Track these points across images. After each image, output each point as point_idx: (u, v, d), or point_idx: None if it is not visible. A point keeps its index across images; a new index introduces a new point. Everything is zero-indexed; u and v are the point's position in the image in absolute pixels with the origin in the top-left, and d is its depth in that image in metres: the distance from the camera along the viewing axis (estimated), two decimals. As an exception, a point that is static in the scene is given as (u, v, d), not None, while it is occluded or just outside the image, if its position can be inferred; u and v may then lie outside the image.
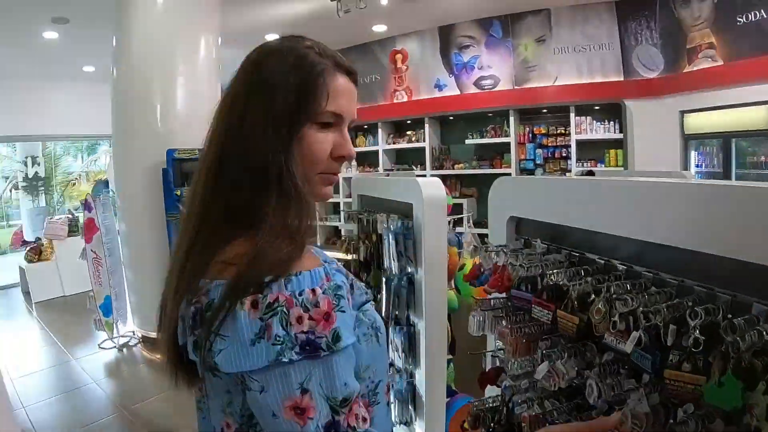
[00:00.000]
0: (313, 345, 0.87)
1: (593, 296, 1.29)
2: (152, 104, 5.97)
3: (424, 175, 8.57)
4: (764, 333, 0.94)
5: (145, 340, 6.33)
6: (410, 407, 3.31)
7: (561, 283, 1.44)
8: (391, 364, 3.29)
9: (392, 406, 3.11)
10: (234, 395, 0.95)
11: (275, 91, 0.99)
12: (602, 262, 1.48)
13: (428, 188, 2.79)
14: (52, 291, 8.93)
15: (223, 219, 0.98)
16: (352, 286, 1.03)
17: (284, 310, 0.86)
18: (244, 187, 0.98)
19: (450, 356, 3.46)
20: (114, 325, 6.32)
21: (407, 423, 3.51)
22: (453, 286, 3.72)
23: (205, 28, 6.29)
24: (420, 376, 2.99)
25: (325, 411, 0.87)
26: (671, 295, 1.21)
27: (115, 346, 6.26)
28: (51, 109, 10.78)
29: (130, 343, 6.37)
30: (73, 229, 9.36)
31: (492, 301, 1.80)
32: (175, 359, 1.05)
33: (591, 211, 1.52)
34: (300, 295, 0.88)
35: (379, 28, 9.37)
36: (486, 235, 2.82)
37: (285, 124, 0.99)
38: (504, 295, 1.76)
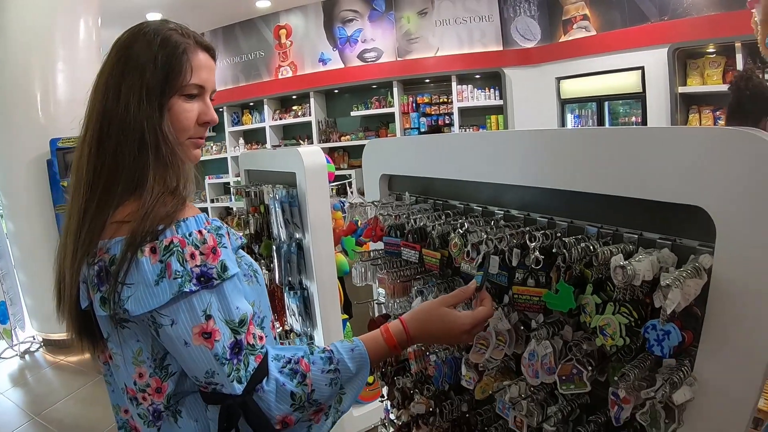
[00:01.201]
0: (207, 275, 1.02)
1: (452, 234, 1.46)
2: (32, 92, 5.65)
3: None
4: (591, 247, 1.13)
5: (47, 344, 6.06)
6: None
7: (423, 225, 1.60)
8: (291, 330, 3.41)
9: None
10: (144, 343, 1.07)
11: (146, 69, 1.11)
12: (462, 206, 1.66)
13: (309, 156, 2.92)
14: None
15: (110, 185, 1.08)
16: (228, 232, 1.17)
17: (179, 249, 1.01)
18: (126, 155, 1.08)
19: (346, 316, 3.61)
20: (12, 332, 5.92)
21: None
22: (342, 249, 3.87)
23: (85, 9, 5.95)
24: (318, 337, 3.12)
25: (228, 333, 1.03)
26: (518, 227, 1.39)
27: (16, 354, 5.88)
28: None
29: (31, 349, 6.01)
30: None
31: (371, 253, 1.95)
32: (80, 326, 1.16)
33: (451, 163, 1.69)
34: (189, 236, 1.03)
35: (263, 4, 9.33)
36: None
37: (156, 97, 1.11)
38: (382, 247, 1.91)
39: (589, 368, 1.15)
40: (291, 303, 3.27)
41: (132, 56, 1.12)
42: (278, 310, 3.53)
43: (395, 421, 2.01)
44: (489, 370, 1.48)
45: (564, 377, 1.18)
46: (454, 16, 8.33)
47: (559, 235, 1.19)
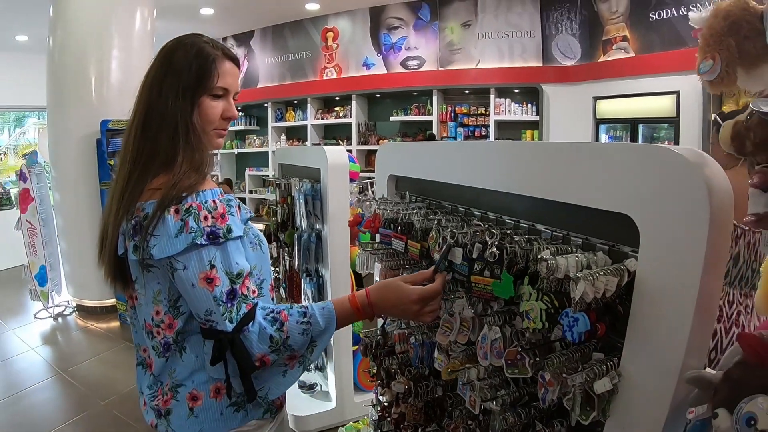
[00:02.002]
0: (215, 234, 1.29)
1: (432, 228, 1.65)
2: (87, 75, 6.04)
3: (350, 150, 8.91)
4: (540, 247, 1.31)
5: (80, 309, 6.47)
6: (322, 352, 3.67)
7: (410, 220, 1.81)
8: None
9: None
10: (162, 285, 1.36)
11: (182, 73, 1.40)
12: (450, 206, 1.85)
13: (333, 155, 3.16)
14: (-17, 266, 8.76)
15: (149, 161, 1.38)
16: (239, 206, 1.45)
17: (196, 212, 1.29)
18: (163, 139, 1.38)
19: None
20: (49, 295, 6.37)
21: (320, 368, 3.86)
22: (359, 243, 4.07)
23: (141, 1, 6.35)
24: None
25: (226, 281, 1.30)
26: (492, 227, 1.56)
27: (50, 316, 6.33)
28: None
29: (65, 313, 6.44)
30: (4, 202, 9.26)
31: (374, 244, 2.14)
32: (115, 270, 1.45)
33: (442, 168, 1.90)
34: (205, 203, 1.31)
35: (312, 6, 9.59)
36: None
37: (189, 95, 1.41)
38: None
39: (531, 355, 1.31)
40: (307, 289, 3.49)
41: (173, 62, 1.42)
42: (295, 295, 3.76)
43: (382, 401, 2.20)
44: (456, 354, 1.66)
45: (510, 362, 1.35)
46: (496, 29, 8.48)
47: (509, 233, 1.38)
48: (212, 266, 1.29)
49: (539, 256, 1.17)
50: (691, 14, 1.77)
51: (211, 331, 1.31)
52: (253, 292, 1.36)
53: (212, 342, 1.32)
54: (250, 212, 1.53)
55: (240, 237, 1.37)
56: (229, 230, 1.32)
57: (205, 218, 1.29)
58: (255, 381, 1.37)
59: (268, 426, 1.51)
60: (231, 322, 1.28)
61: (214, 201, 1.33)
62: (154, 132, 1.39)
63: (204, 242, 1.27)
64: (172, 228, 1.27)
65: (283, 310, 1.36)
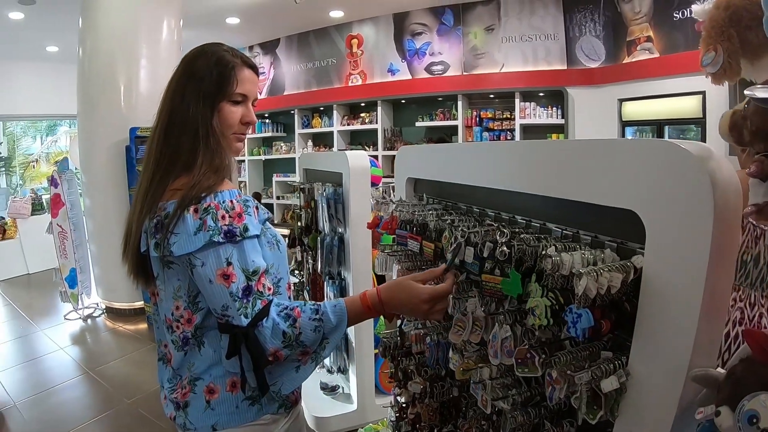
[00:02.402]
0: (232, 232, 1.35)
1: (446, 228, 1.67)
2: (116, 84, 6.23)
3: (377, 156, 8.95)
4: (546, 244, 1.32)
5: (109, 311, 6.65)
6: (344, 355, 3.71)
7: (424, 221, 1.85)
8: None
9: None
10: (182, 282, 1.43)
11: (203, 80, 1.47)
12: (465, 207, 1.87)
13: (354, 159, 3.21)
14: (16, 269, 9.09)
15: (171, 164, 1.45)
16: (257, 207, 1.50)
17: (214, 211, 1.35)
18: (184, 142, 1.46)
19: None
20: (79, 297, 6.58)
21: (342, 370, 3.90)
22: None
23: (168, 11, 6.53)
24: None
25: (242, 278, 1.36)
26: (503, 226, 1.58)
27: (79, 317, 6.53)
28: (13, 89, 10.91)
29: (94, 315, 6.64)
30: (36, 207, 9.49)
31: (392, 246, 2.17)
32: (137, 266, 1.52)
33: (456, 170, 1.92)
34: (223, 203, 1.37)
35: (336, 14, 9.69)
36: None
37: (210, 101, 1.48)
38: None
39: (541, 354, 1.32)
40: (329, 291, 3.54)
41: (195, 69, 1.49)
42: (318, 298, 3.80)
43: (400, 402, 2.22)
44: (470, 354, 1.68)
45: (520, 360, 1.36)
46: (520, 33, 8.45)
47: (517, 231, 1.40)
48: (229, 263, 1.34)
49: (543, 253, 1.19)
50: (694, 7, 1.76)
51: (227, 326, 1.37)
52: (269, 289, 1.41)
53: (227, 336, 1.37)
54: (268, 213, 1.58)
55: (257, 236, 1.42)
56: (246, 229, 1.37)
57: (223, 217, 1.35)
58: (269, 376, 1.42)
59: (283, 421, 1.56)
60: (246, 317, 1.34)
61: (231, 201, 1.39)
62: (176, 136, 1.45)
63: (221, 240, 1.33)
64: (191, 226, 1.33)
65: (297, 307, 1.41)
